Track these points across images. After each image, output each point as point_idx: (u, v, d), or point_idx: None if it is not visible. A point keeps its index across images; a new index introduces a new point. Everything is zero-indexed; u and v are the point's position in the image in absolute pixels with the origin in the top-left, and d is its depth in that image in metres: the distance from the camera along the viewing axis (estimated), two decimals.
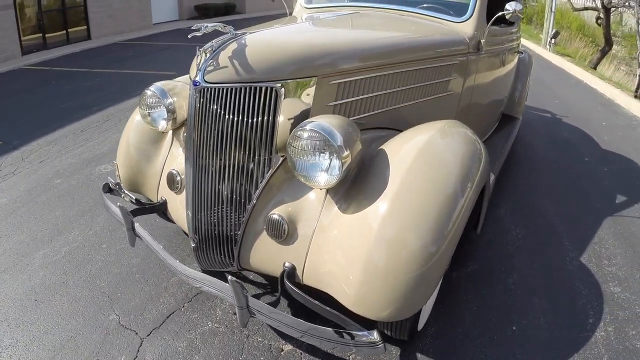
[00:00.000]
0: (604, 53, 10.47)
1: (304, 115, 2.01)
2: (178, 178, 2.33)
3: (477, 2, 3.03)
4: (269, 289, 2.65)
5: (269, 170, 1.98)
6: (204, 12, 16.26)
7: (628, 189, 4.19)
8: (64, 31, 10.89)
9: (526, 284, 2.83)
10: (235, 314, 2.43)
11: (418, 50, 2.58)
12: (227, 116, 1.92)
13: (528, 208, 3.73)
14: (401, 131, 2.44)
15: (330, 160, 1.77)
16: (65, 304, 2.52)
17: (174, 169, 2.36)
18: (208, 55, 1.91)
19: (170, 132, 2.54)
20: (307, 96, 2.01)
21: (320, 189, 1.92)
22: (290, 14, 3.61)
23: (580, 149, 5.12)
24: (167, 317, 2.45)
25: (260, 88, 1.90)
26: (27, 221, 3.35)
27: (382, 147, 2.03)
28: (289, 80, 1.95)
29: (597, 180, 4.32)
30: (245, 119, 1.93)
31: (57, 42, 10.58)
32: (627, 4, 8.64)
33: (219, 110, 1.92)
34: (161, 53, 10.24)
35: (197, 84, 1.89)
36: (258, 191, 1.99)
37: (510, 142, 4.03)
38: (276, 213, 1.95)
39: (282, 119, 1.95)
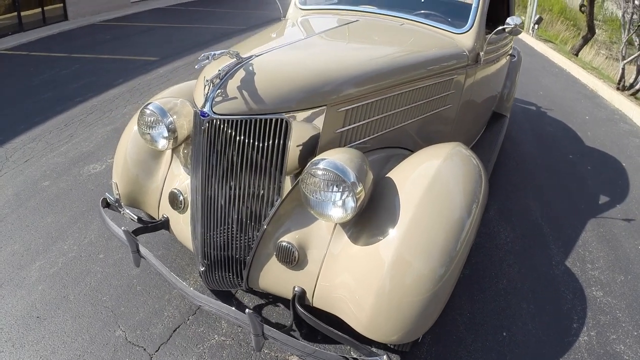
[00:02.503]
0: (586, 40, 10.59)
1: (313, 142, 2.05)
2: (181, 198, 2.34)
3: (478, 14, 3.04)
4: (270, 298, 2.72)
5: (278, 198, 2.02)
6: None
7: (611, 188, 4.33)
8: (40, 12, 10.52)
9: (515, 289, 2.95)
10: (240, 326, 2.50)
11: (420, 68, 2.59)
12: (235, 147, 1.94)
13: (515, 210, 3.84)
14: (404, 148, 2.50)
15: (345, 197, 1.82)
16: (68, 320, 2.54)
17: (175, 189, 2.37)
18: (215, 84, 1.90)
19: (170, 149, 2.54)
20: (316, 124, 2.04)
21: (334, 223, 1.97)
22: (284, 13, 3.59)
23: (565, 145, 5.24)
24: (174, 331, 2.49)
25: (270, 120, 1.92)
26: (19, 229, 3.32)
27: (390, 175, 2.08)
28: (298, 111, 1.97)
29: (581, 180, 4.45)
30: (254, 149, 1.95)
31: (33, 22, 10.23)
32: None
33: (227, 141, 1.93)
34: (140, 36, 9.99)
35: (206, 115, 1.88)
36: (268, 218, 2.03)
37: (499, 143, 4.11)
38: (286, 240, 1.99)
39: (292, 147, 1.98)
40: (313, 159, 1.88)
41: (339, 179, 1.78)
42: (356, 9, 3.34)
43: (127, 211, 2.57)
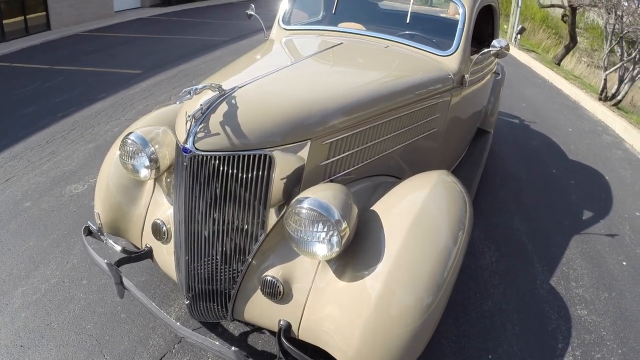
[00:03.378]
0: (568, 49, 10.75)
1: (297, 176, 2.03)
2: (164, 228, 2.31)
3: (463, 36, 3.04)
4: (256, 326, 2.69)
5: (262, 233, 2.00)
6: (166, 0, 15.76)
7: (594, 203, 4.39)
8: (23, 21, 10.41)
9: (500, 310, 2.96)
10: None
11: (406, 94, 2.58)
12: (218, 181, 1.91)
13: (500, 228, 3.86)
14: (390, 175, 2.49)
15: (330, 235, 1.81)
16: (53, 350, 2.49)
17: (158, 219, 2.34)
18: (197, 119, 1.86)
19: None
20: (300, 158, 2.03)
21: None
22: (270, 28, 3.57)
23: (548, 159, 5.30)
24: None
25: (254, 156, 1.90)
26: (1, 253, 3.26)
27: (376, 208, 2.07)
28: (282, 146, 1.95)
29: (565, 195, 4.50)
30: (237, 184, 1.93)
31: (15, 31, 10.11)
32: (593, 3, 8.79)
33: (210, 176, 1.90)
34: (124, 47, 9.90)
35: (188, 151, 1.86)
36: (252, 253, 2.02)
37: (483, 160, 4.12)
38: (270, 275, 1.98)
39: (275, 181, 1.96)
40: (297, 197, 1.87)
41: (323, 218, 1.78)
42: (340, 29, 3.34)
43: (110, 242, 2.53)
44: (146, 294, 2.84)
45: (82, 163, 4.60)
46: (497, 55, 2.89)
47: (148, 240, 2.44)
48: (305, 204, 1.79)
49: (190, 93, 1.84)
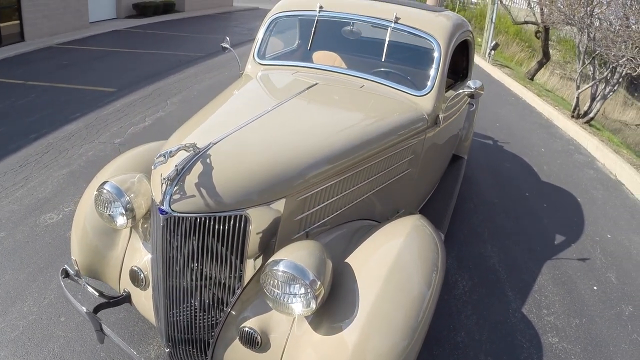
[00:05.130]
0: (541, 65, 11.01)
1: (273, 229, 2.07)
2: (141, 275, 2.32)
3: (438, 76, 3.07)
4: None
5: (239, 286, 2.03)
6: (142, 11, 15.63)
7: (566, 227, 4.50)
8: None
9: (473, 340, 3.03)
10: None
11: (381, 141, 2.62)
12: (195, 240, 1.94)
13: (473, 256, 3.94)
14: (364, 219, 2.52)
15: (305, 295, 1.85)
16: None
17: (135, 266, 2.34)
18: (172, 181, 1.87)
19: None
20: (276, 214, 2.06)
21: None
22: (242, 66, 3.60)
23: (521, 182, 5.42)
24: None
25: (230, 217, 1.93)
26: None
27: (351, 259, 2.11)
28: (258, 205, 1.99)
29: (537, 219, 4.61)
30: (214, 240, 1.95)
31: None
32: (566, 22, 9.00)
33: (186, 234, 1.93)
34: (98, 62, 9.79)
35: (164, 212, 1.87)
36: (230, 305, 2.04)
37: (457, 190, 4.13)
38: (248, 326, 2.00)
39: (252, 235, 1.99)
40: (273, 258, 1.91)
41: (298, 280, 1.82)
42: (315, 66, 3.38)
43: (89, 287, 2.52)
44: (125, 332, 2.87)
45: (57, 190, 4.55)
46: (472, 96, 2.95)
47: (126, 284, 2.44)
48: (280, 267, 1.83)
49: (165, 156, 1.86)
